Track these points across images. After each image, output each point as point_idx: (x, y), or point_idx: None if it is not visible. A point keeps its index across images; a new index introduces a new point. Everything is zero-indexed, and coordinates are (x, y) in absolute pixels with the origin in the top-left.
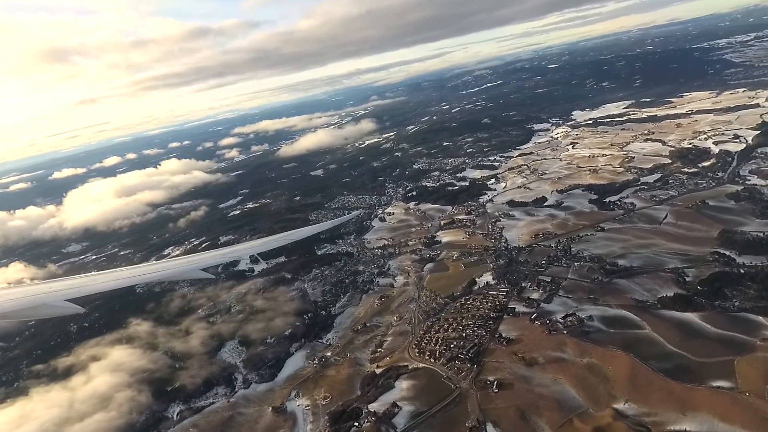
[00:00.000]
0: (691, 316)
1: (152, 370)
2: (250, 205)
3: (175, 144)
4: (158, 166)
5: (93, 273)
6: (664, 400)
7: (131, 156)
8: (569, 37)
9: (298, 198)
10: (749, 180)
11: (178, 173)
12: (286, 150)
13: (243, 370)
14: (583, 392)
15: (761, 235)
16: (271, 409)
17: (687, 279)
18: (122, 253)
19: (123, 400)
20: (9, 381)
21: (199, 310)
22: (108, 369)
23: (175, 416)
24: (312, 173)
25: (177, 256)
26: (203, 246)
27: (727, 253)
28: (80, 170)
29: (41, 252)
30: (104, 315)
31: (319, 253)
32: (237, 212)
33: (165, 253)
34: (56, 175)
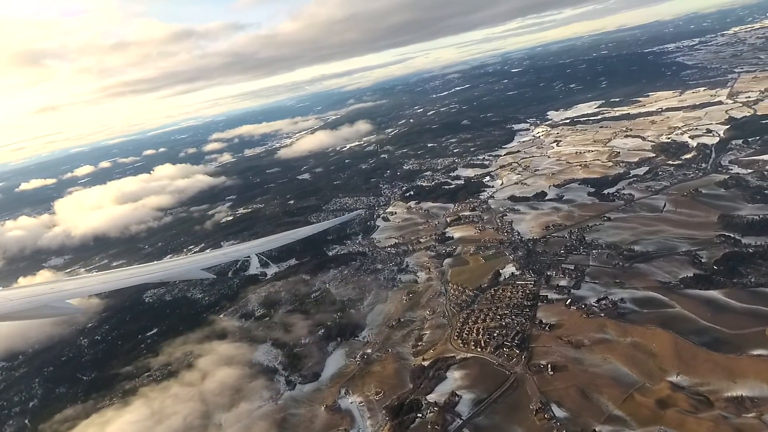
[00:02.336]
0: (715, 294)
1: (270, 360)
2: (242, 210)
3: (150, 151)
4: (151, 172)
5: (94, 273)
6: (712, 370)
7: (105, 165)
8: (525, 43)
9: (292, 202)
10: (731, 169)
11: (177, 177)
12: (286, 152)
13: (283, 371)
14: (635, 369)
15: (757, 217)
16: (324, 408)
17: (702, 260)
18: (115, 263)
19: (259, 388)
20: (98, 384)
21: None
22: (221, 363)
23: (222, 422)
24: (299, 177)
25: None
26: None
27: (732, 235)
28: (50, 181)
29: (18, 267)
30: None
31: (331, 254)
32: (230, 218)
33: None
34: (24, 186)
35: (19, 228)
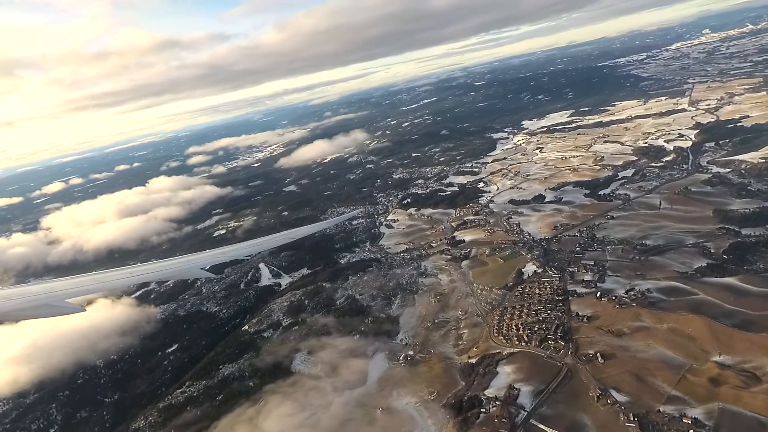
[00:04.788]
0: (731, 280)
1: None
2: (233, 223)
3: (123, 167)
4: (146, 185)
5: (93, 273)
6: (749, 348)
7: (77, 181)
8: (483, 58)
9: (286, 213)
10: (711, 169)
11: (177, 189)
12: (287, 161)
13: (326, 378)
14: (679, 352)
15: (749, 210)
16: (379, 411)
17: (711, 251)
18: None
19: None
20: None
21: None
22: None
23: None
24: (285, 189)
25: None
26: None
27: (731, 227)
28: (16, 199)
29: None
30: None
31: (343, 262)
32: (222, 231)
33: None
34: None
35: (19, 245)
